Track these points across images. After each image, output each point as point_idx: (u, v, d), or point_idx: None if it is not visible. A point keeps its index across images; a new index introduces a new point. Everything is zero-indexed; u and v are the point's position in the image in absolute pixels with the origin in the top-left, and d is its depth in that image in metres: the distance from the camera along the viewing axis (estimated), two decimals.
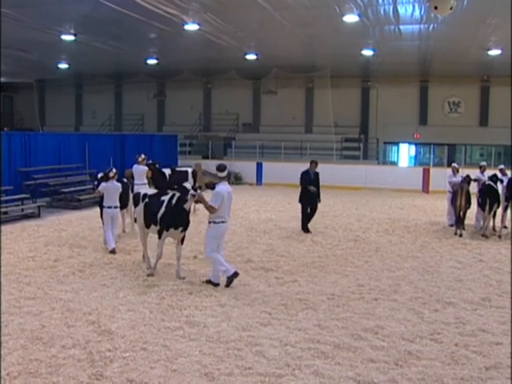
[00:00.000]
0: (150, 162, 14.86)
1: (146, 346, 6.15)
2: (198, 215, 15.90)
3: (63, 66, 27.13)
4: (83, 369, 5.54)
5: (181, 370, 5.57)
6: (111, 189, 11.15)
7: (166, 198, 9.12)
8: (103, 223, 11.37)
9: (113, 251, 10.80)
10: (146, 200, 9.45)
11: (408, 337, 6.58)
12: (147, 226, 9.45)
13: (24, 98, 35.51)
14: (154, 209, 9.13)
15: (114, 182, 11.23)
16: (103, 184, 11.14)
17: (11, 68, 26.24)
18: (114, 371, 5.49)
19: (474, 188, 14.34)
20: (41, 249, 11.12)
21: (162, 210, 9.02)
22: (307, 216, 13.75)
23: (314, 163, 13.93)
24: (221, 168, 8.89)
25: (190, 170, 15.94)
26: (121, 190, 11.45)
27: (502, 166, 15.33)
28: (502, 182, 13.81)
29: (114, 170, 11.33)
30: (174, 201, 8.95)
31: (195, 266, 9.88)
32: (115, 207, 11.27)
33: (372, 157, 29.00)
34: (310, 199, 13.57)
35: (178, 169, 15.40)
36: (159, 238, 9.13)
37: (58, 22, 17.41)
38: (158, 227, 9.11)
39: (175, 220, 8.94)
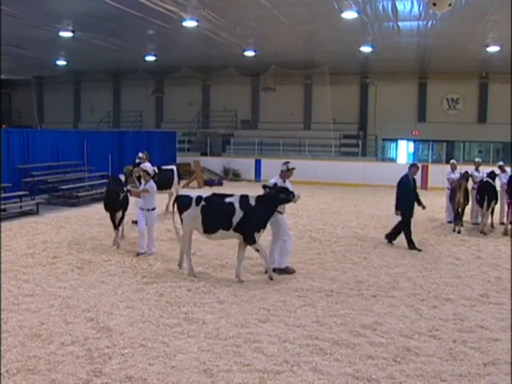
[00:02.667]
0: (137, 161, 14.18)
1: (144, 342, 6.16)
2: None
3: (61, 62, 27.10)
4: (82, 365, 5.54)
5: (179, 366, 5.57)
6: (153, 189, 10.59)
7: (233, 200, 8.85)
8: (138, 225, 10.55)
9: (139, 254, 10.33)
10: (203, 203, 8.90)
11: (406, 333, 6.59)
12: (210, 231, 8.91)
13: (22, 95, 35.42)
14: (222, 213, 8.77)
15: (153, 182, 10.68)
16: (152, 183, 10.54)
17: (9, 65, 26.19)
18: (113, 368, 5.50)
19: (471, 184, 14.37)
20: (39, 246, 11.11)
21: (239, 213, 8.70)
22: (399, 228, 11.78)
23: (414, 167, 11.86)
24: None
25: (174, 168, 15.76)
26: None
27: (501, 163, 15.34)
28: (499, 177, 13.84)
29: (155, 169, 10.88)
30: (252, 202, 8.82)
31: (194, 263, 9.87)
32: (153, 209, 10.55)
33: (371, 153, 29.01)
34: (411, 208, 11.59)
35: (163, 167, 15.09)
36: (250, 243, 8.77)
37: (55, 18, 17.37)
38: (231, 232, 8.77)
39: (264, 221, 8.84)
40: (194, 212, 8.91)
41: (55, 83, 33.87)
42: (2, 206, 14.41)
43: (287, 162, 9.61)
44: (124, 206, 11.22)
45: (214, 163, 27.28)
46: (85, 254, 10.49)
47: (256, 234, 8.75)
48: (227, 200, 8.92)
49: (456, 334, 6.62)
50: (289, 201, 9.01)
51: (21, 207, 15.32)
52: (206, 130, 31.33)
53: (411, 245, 11.43)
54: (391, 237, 11.90)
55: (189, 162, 26.52)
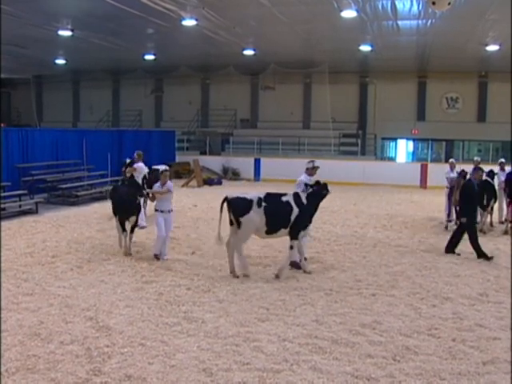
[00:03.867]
0: (129, 160, 13.97)
1: (144, 341, 6.16)
2: (196, 211, 15.92)
3: (60, 61, 27.10)
4: (81, 364, 5.54)
5: (179, 365, 5.57)
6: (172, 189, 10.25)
7: (289, 199, 9.05)
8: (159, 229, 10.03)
9: (157, 257, 9.97)
10: (264, 204, 8.84)
11: (406, 332, 6.60)
12: (273, 231, 9.00)
13: (21, 94, 35.37)
14: (283, 212, 8.91)
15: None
16: (170, 183, 10.17)
17: (9, 64, 26.15)
18: (113, 367, 5.50)
19: None
20: (38, 245, 11.10)
21: (296, 210, 8.94)
22: (458, 237, 10.85)
23: (479, 171, 11.09)
24: None
25: (166, 167, 15.52)
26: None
27: (502, 160, 15.20)
28: (497, 176, 13.84)
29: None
30: (304, 200, 9.10)
31: (193, 262, 9.87)
32: (169, 211, 10.15)
33: (370, 152, 29.02)
34: (475, 214, 10.79)
35: (154, 167, 14.90)
36: (294, 238, 9.06)
37: (55, 17, 17.38)
38: (287, 229, 9.01)
39: (312, 217, 9.18)
40: (257, 214, 8.79)
41: (54, 82, 33.88)
42: (2, 205, 14.41)
43: (312, 161, 10.05)
44: (138, 209, 10.77)
45: (214, 162, 27.29)
46: (84, 253, 10.48)
47: (302, 231, 9.11)
48: (283, 199, 9.08)
49: (455, 332, 6.62)
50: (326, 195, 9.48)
51: (20, 206, 15.31)
52: (205, 129, 31.32)
53: (480, 253, 10.38)
54: (452, 247, 10.87)
55: (188, 161, 26.53)
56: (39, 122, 32.44)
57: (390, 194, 21.37)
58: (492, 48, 20.43)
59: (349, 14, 15.92)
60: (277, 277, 8.90)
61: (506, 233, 13.11)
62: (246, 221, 8.78)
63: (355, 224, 14.45)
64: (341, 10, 15.63)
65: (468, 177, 13.91)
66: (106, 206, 16.72)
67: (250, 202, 8.85)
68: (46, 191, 17.61)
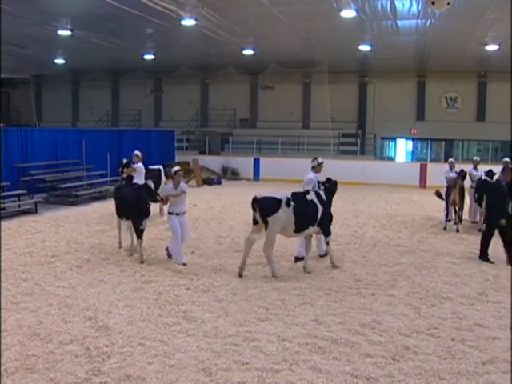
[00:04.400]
0: (125, 160, 13.70)
1: (143, 341, 6.16)
2: (196, 210, 15.91)
3: (60, 61, 27.05)
4: (81, 364, 5.54)
5: (178, 365, 5.58)
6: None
7: (313, 197, 9.36)
8: (172, 234, 9.74)
9: (184, 264, 9.62)
10: (293, 204, 8.97)
11: (405, 332, 6.60)
12: (302, 229, 9.20)
13: (21, 94, 35.31)
14: (310, 210, 9.20)
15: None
16: (184, 184, 9.86)
17: (8, 64, 26.11)
18: (112, 367, 5.50)
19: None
20: (38, 245, 11.10)
21: (320, 208, 9.30)
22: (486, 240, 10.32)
23: (508, 172, 10.30)
24: None
25: (161, 167, 15.51)
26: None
27: (507, 159, 14.96)
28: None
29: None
30: (324, 197, 9.49)
31: (193, 262, 9.87)
32: (184, 213, 9.82)
33: (369, 152, 29.01)
34: (501, 217, 10.03)
35: (150, 167, 14.77)
36: (328, 234, 9.62)
37: (54, 17, 17.34)
38: (315, 227, 9.35)
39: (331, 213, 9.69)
40: (286, 214, 8.87)
41: (54, 82, 33.83)
42: (1, 205, 14.42)
43: (316, 158, 10.43)
44: (148, 214, 10.21)
45: (213, 162, 27.29)
46: (83, 252, 10.48)
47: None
48: (308, 197, 9.34)
49: (454, 332, 6.63)
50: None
51: (19, 206, 15.30)
52: (204, 129, 31.31)
53: (484, 256, 10.23)
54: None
55: (187, 160, 26.51)
56: (38, 122, 32.40)
57: (389, 194, 21.37)
58: (491, 48, 20.41)
59: (348, 13, 15.90)
60: (334, 266, 9.63)
61: None
62: (274, 220, 8.83)
63: (354, 224, 14.45)
64: (340, 10, 15.62)
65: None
66: (106, 206, 16.78)
67: (279, 201, 8.92)
68: (46, 191, 17.60)
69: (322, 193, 9.60)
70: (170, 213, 9.64)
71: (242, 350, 6.00)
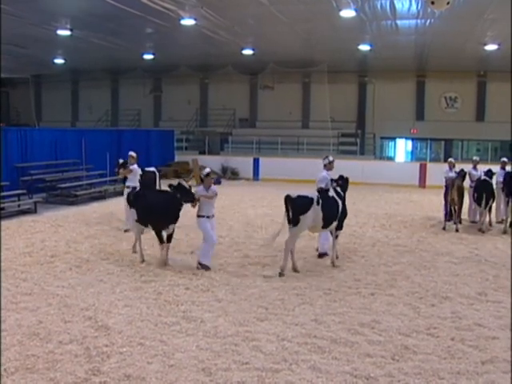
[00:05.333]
0: (122, 161, 13.45)
1: (143, 341, 6.16)
2: (195, 210, 15.88)
3: (59, 61, 27.05)
4: (80, 364, 5.54)
5: (178, 365, 5.57)
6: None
7: (333, 194, 9.75)
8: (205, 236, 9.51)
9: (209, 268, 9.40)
10: (321, 201, 9.27)
11: (404, 331, 6.60)
12: (328, 225, 9.58)
13: (20, 94, 35.29)
14: (334, 207, 9.57)
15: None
16: (214, 186, 9.64)
17: (8, 63, 26.10)
18: (111, 366, 5.50)
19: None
20: (37, 244, 11.10)
21: (340, 204, 9.72)
22: None
23: None
24: None
25: (155, 170, 15.36)
26: None
27: (504, 159, 15.06)
28: (496, 175, 13.84)
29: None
30: (341, 193, 9.94)
31: (193, 261, 9.86)
32: (213, 215, 9.63)
33: (369, 152, 29.01)
34: None
35: (145, 169, 14.62)
36: (341, 229, 10.07)
37: (53, 17, 17.34)
38: (336, 222, 9.73)
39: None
40: (315, 212, 9.19)
41: (53, 82, 33.82)
42: (1, 205, 14.41)
43: (327, 156, 10.84)
44: (178, 217, 9.76)
45: (212, 162, 27.17)
46: (83, 252, 10.48)
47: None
48: (330, 195, 9.69)
49: (454, 332, 6.63)
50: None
51: (19, 206, 15.30)
52: (204, 129, 31.30)
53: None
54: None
55: (187, 160, 26.50)
56: (38, 122, 32.39)
57: (388, 194, 21.37)
58: (491, 47, 20.42)
59: (348, 13, 15.90)
60: (333, 265, 9.71)
61: (504, 232, 13.11)
62: (305, 219, 9.11)
63: (354, 223, 14.43)
64: (340, 10, 15.62)
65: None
66: (105, 206, 16.81)
67: (311, 200, 9.18)
68: (45, 191, 17.59)
69: (338, 189, 9.97)
70: (200, 216, 9.42)
71: (242, 349, 6.00)
